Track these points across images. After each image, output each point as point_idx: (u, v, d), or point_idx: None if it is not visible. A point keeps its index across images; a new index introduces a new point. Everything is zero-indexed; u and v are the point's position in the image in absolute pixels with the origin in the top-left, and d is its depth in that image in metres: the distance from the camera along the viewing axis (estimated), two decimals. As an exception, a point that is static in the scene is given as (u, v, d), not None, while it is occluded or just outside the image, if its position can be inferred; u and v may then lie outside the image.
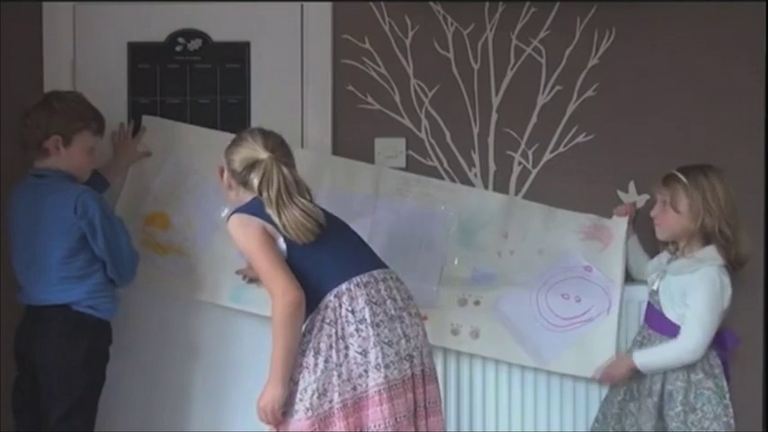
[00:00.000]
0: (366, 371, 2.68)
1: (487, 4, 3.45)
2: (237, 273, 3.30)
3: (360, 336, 2.69)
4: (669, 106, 3.44)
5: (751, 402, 3.33)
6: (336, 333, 2.70)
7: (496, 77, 3.47)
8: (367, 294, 2.72)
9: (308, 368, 2.70)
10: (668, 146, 3.40)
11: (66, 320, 3.04)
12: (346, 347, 2.70)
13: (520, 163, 3.47)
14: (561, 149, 3.46)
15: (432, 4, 3.46)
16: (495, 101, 3.47)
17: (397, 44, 3.47)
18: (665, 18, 3.42)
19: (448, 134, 3.47)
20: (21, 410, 3.12)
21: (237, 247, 2.86)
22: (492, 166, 3.47)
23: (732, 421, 3.01)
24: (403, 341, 2.73)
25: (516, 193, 3.45)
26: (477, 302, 3.33)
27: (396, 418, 2.67)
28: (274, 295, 2.68)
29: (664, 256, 3.22)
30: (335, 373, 2.68)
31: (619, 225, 3.34)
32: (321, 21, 3.46)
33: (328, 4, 3.45)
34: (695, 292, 3.05)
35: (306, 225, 2.73)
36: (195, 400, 3.42)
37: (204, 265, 3.36)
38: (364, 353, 2.69)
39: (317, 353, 2.70)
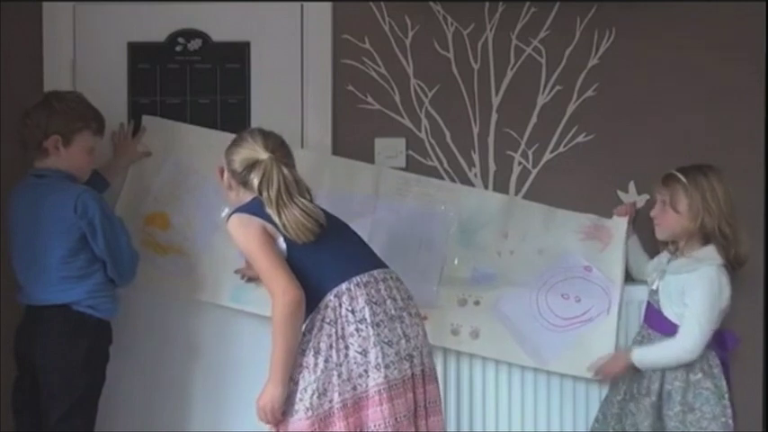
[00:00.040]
0: (366, 371, 2.68)
1: (487, 4, 3.45)
2: (236, 272, 3.30)
3: (360, 335, 2.69)
4: (669, 106, 3.44)
5: (751, 402, 3.33)
6: (336, 333, 2.70)
7: (496, 77, 3.47)
8: (367, 294, 2.73)
9: (307, 368, 2.70)
10: (668, 146, 3.41)
11: (66, 320, 3.04)
12: (346, 347, 2.70)
13: (520, 163, 3.47)
14: (561, 149, 3.46)
15: (432, 4, 3.46)
16: (495, 101, 3.47)
17: (397, 44, 3.47)
18: (665, 18, 3.42)
19: (448, 134, 3.47)
20: (21, 410, 3.12)
21: (237, 247, 2.86)
22: (492, 166, 3.47)
23: (731, 421, 3.01)
24: (403, 341, 2.74)
25: (516, 193, 3.45)
26: (477, 302, 3.33)
27: (396, 418, 2.67)
28: (274, 295, 2.68)
29: (664, 256, 3.22)
30: (335, 372, 2.68)
31: (619, 225, 3.34)
32: (321, 21, 3.46)
33: (328, 4, 3.46)
34: (694, 291, 3.05)
35: (306, 225, 2.73)
36: (195, 400, 3.42)
37: (204, 265, 3.36)
38: (364, 353, 2.69)
39: (317, 352, 2.70)
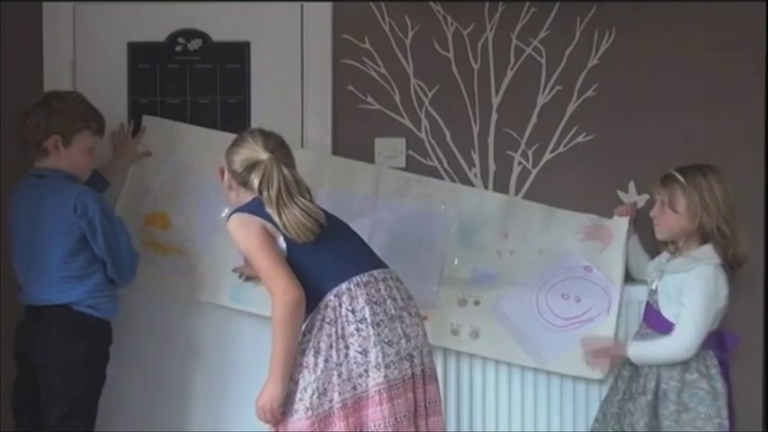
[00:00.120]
0: (366, 370, 2.68)
1: (487, 4, 3.45)
2: (234, 270, 3.30)
3: (360, 335, 2.69)
4: (669, 106, 3.44)
5: (751, 402, 3.33)
6: (336, 332, 2.70)
7: (496, 77, 3.47)
8: (367, 294, 2.73)
9: (307, 367, 2.70)
10: (668, 146, 3.40)
11: (66, 320, 3.04)
12: (346, 347, 2.70)
13: (520, 163, 3.47)
14: (561, 149, 3.46)
15: (432, 4, 3.46)
16: (495, 101, 3.47)
17: (397, 44, 3.47)
18: (665, 18, 3.42)
19: (448, 134, 3.47)
20: (21, 410, 3.12)
21: (238, 247, 2.86)
22: (492, 166, 3.47)
23: (726, 422, 3.01)
24: (403, 341, 2.74)
25: (516, 193, 3.45)
26: (477, 302, 3.33)
27: (396, 418, 2.67)
28: (274, 294, 2.68)
29: (664, 256, 3.22)
30: (335, 372, 2.68)
31: (619, 225, 3.34)
32: (321, 21, 3.46)
33: (328, 4, 3.46)
34: (690, 290, 3.05)
35: (306, 225, 2.73)
36: (195, 400, 3.42)
37: (204, 265, 3.36)
38: (364, 352, 2.69)
39: (317, 352, 2.70)
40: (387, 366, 2.68)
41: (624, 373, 3.17)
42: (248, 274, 3.26)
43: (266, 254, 2.71)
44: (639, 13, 3.43)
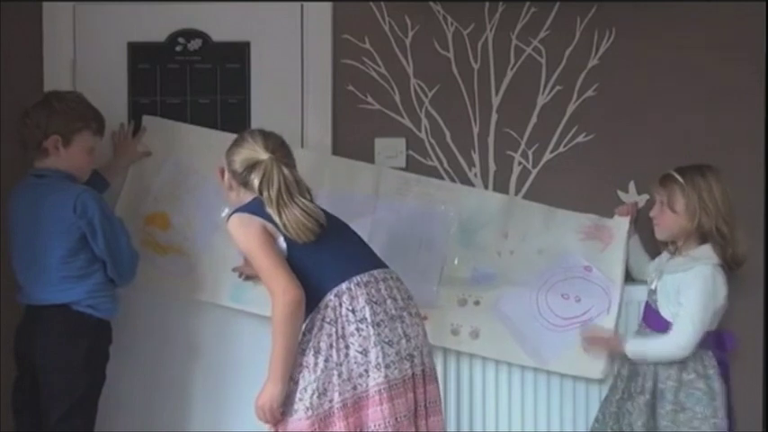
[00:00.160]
0: (366, 370, 2.68)
1: (487, 4, 3.45)
2: (234, 270, 3.30)
3: (360, 335, 2.69)
4: (669, 106, 3.44)
5: (751, 402, 3.33)
6: (337, 332, 2.70)
7: (496, 77, 3.47)
8: (367, 294, 2.73)
9: (307, 367, 2.70)
10: (668, 146, 3.41)
11: (66, 320, 3.04)
12: (347, 347, 2.70)
13: (520, 163, 3.47)
14: (561, 149, 3.46)
15: (432, 4, 3.46)
16: (495, 101, 3.47)
17: (397, 44, 3.47)
18: (665, 18, 3.42)
19: (448, 134, 3.47)
20: (21, 410, 3.12)
21: (238, 247, 2.86)
22: (492, 166, 3.47)
23: (722, 422, 3.01)
24: (403, 341, 2.73)
25: (516, 193, 3.45)
26: (477, 302, 3.33)
27: (396, 418, 2.67)
28: (274, 294, 2.68)
29: (664, 256, 3.23)
30: (336, 372, 2.68)
31: (620, 225, 3.34)
32: (321, 21, 3.46)
33: (328, 4, 3.46)
34: (689, 289, 3.05)
35: (306, 224, 2.73)
36: (195, 400, 3.42)
37: (204, 265, 3.36)
38: (365, 352, 2.69)
39: (317, 352, 2.70)
40: (387, 366, 2.68)
41: (623, 373, 3.18)
42: (248, 274, 3.26)
43: (266, 254, 2.71)
44: (639, 13, 3.43)
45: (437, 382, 2.85)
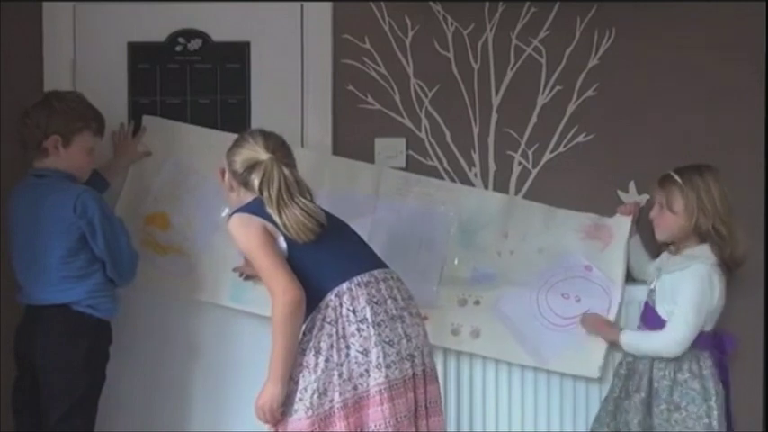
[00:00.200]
0: (367, 370, 2.68)
1: (487, 4, 3.45)
2: (234, 270, 3.30)
3: (361, 335, 2.69)
4: (669, 106, 3.44)
5: (751, 402, 3.33)
6: (337, 332, 2.70)
7: (496, 77, 3.47)
8: (368, 294, 2.72)
9: (308, 367, 2.70)
10: (668, 146, 3.40)
11: (66, 320, 3.04)
12: (347, 347, 2.70)
13: (520, 163, 3.47)
14: (561, 149, 3.46)
15: (432, 4, 3.46)
16: (495, 101, 3.47)
17: (397, 44, 3.47)
18: (665, 18, 3.42)
19: (448, 134, 3.47)
20: (21, 410, 3.12)
21: (238, 247, 2.86)
22: (492, 166, 3.47)
23: (716, 423, 3.01)
24: (404, 341, 2.73)
25: (516, 193, 3.45)
26: (477, 302, 3.33)
27: (396, 418, 2.67)
28: (275, 294, 2.68)
29: (665, 256, 3.23)
30: (336, 372, 2.68)
31: (621, 224, 3.34)
32: (321, 21, 3.46)
33: (328, 4, 3.45)
34: (684, 287, 3.06)
35: (306, 224, 2.73)
36: (195, 400, 3.42)
37: (204, 265, 3.36)
38: (365, 352, 2.69)
39: (317, 352, 2.70)
40: (388, 366, 2.68)
41: (621, 371, 3.18)
42: (248, 273, 3.26)
43: (267, 254, 2.71)
44: (639, 13, 3.43)
45: (438, 382, 2.85)
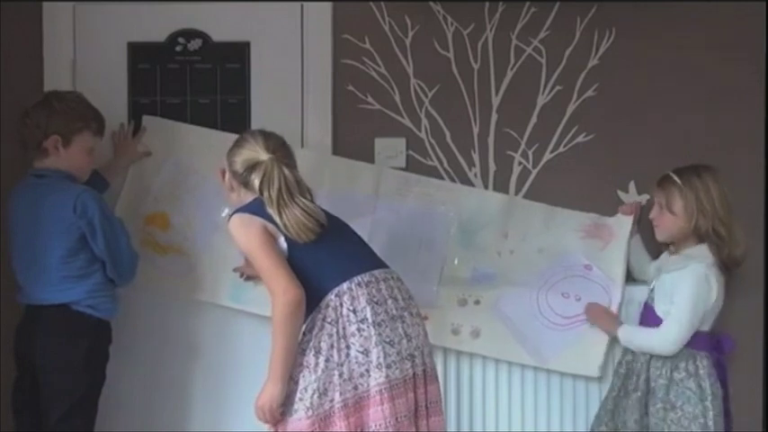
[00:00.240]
0: (368, 370, 2.68)
1: (487, 4, 3.45)
2: (235, 270, 3.30)
3: (361, 335, 2.69)
4: (669, 106, 3.44)
5: (751, 402, 3.33)
6: (338, 332, 2.70)
7: (496, 77, 3.47)
8: (368, 294, 2.73)
9: (308, 367, 2.70)
10: (668, 146, 3.41)
11: (65, 320, 3.04)
12: (347, 347, 2.70)
13: (520, 163, 3.47)
14: (561, 149, 3.46)
15: (432, 4, 3.46)
16: (495, 101, 3.47)
17: (397, 44, 3.47)
18: (665, 18, 3.42)
19: (448, 134, 3.47)
20: (21, 410, 3.12)
21: (238, 247, 2.86)
22: (492, 166, 3.47)
23: (711, 423, 3.01)
24: (404, 341, 2.74)
25: (516, 194, 3.45)
26: (477, 302, 3.33)
27: (397, 418, 2.67)
28: (275, 294, 2.68)
29: (665, 256, 3.23)
30: (336, 372, 2.68)
31: (622, 223, 3.34)
32: (321, 21, 3.46)
33: (328, 4, 3.45)
34: (681, 287, 3.07)
35: (307, 224, 2.73)
36: (195, 400, 3.42)
37: (204, 265, 3.36)
38: (366, 352, 2.69)
39: (317, 352, 2.70)
40: (388, 366, 2.68)
41: (621, 371, 3.18)
42: (249, 274, 3.26)
43: (267, 254, 2.71)
44: (639, 13, 3.43)
45: (438, 382, 2.86)
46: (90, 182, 3.21)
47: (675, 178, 3.12)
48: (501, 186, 3.46)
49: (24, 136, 3.12)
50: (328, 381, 2.68)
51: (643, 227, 3.34)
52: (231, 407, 3.37)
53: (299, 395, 2.69)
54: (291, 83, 3.47)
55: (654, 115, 3.44)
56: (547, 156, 3.46)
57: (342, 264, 2.77)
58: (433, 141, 3.47)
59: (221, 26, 3.48)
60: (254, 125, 3.34)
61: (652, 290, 3.19)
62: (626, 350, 3.19)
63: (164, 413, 3.40)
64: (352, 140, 3.46)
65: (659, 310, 3.12)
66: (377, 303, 2.73)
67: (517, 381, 3.34)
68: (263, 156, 2.79)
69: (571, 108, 3.46)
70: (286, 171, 2.78)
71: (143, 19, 3.48)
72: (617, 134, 3.44)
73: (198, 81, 3.49)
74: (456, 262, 3.37)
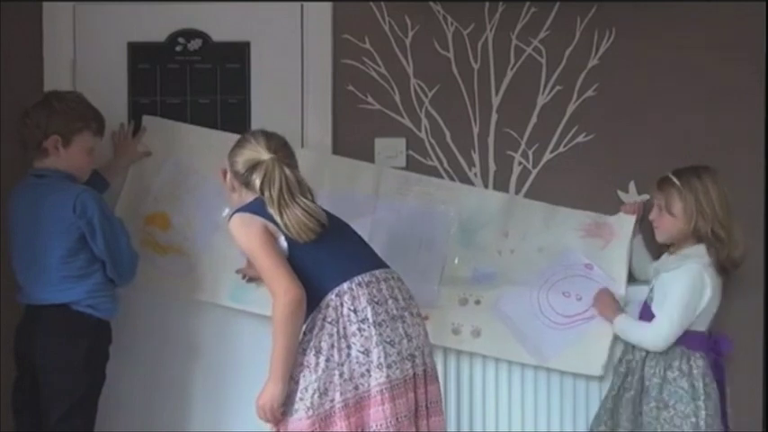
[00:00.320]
0: (368, 370, 2.68)
1: (487, 4, 3.45)
2: (237, 272, 3.30)
3: (362, 335, 2.69)
4: (669, 106, 3.44)
5: (751, 402, 3.34)
6: (338, 332, 2.71)
7: (496, 77, 3.47)
8: (369, 294, 2.73)
9: (308, 367, 2.70)
10: (668, 146, 3.41)
11: (65, 320, 3.04)
12: (348, 347, 2.70)
13: (520, 163, 3.47)
14: (561, 149, 3.46)
15: (432, 4, 3.46)
16: (495, 101, 3.47)
17: (397, 44, 3.47)
18: (665, 18, 3.42)
19: (448, 134, 3.47)
20: (21, 410, 3.12)
21: (239, 247, 2.86)
22: (492, 166, 3.47)
23: (703, 423, 3.01)
24: (405, 341, 2.74)
25: (516, 193, 3.45)
26: (477, 302, 3.33)
27: (397, 418, 2.67)
28: (276, 294, 2.68)
29: (665, 256, 3.23)
30: (337, 372, 2.68)
31: (624, 223, 3.34)
32: (321, 21, 3.46)
33: (328, 4, 3.45)
34: (675, 285, 3.08)
35: (307, 224, 2.73)
36: (195, 400, 3.42)
37: (204, 264, 3.36)
38: (366, 352, 2.69)
39: (318, 352, 2.70)
40: (389, 366, 2.68)
41: (620, 369, 3.19)
42: (251, 276, 3.26)
43: (267, 254, 2.71)
44: (639, 13, 3.43)
45: (438, 382, 2.86)
46: (90, 182, 3.21)
47: (675, 180, 3.13)
48: (501, 186, 3.46)
49: (24, 136, 3.12)
50: (329, 381, 2.68)
51: (644, 227, 3.34)
52: (231, 407, 3.37)
53: (299, 395, 2.69)
54: (291, 83, 3.47)
55: (654, 115, 3.44)
56: (547, 156, 3.46)
57: (342, 264, 2.77)
58: (433, 141, 3.47)
59: (221, 26, 3.48)
60: (254, 125, 3.34)
61: (651, 290, 3.20)
62: (626, 349, 3.20)
63: (164, 413, 3.40)
64: (352, 140, 3.46)
65: (656, 309, 3.13)
66: (377, 303, 2.73)
67: (517, 380, 3.34)
68: (265, 156, 2.79)
69: (571, 108, 3.46)
70: (287, 171, 2.78)
71: (143, 19, 3.48)
72: (617, 134, 3.44)
73: (198, 81, 3.49)
74: (456, 261, 3.37)
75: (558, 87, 3.46)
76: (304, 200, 2.76)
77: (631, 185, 3.42)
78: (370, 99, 3.47)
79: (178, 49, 3.50)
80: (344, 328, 2.70)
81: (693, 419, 3.02)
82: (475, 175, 3.46)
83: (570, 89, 3.45)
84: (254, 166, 2.79)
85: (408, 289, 2.86)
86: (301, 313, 2.70)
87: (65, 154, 3.10)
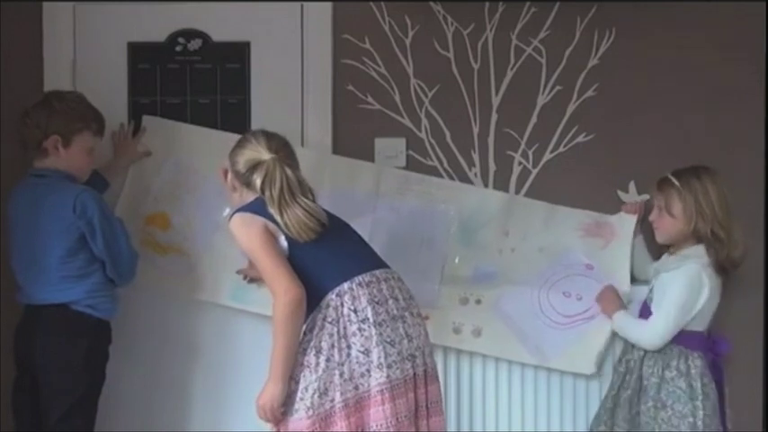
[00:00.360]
0: (368, 370, 2.68)
1: (487, 4, 3.45)
2: (238, 272, 3.30)
3: (362, 335, 2.69)
4: (669, 106, 3.44)
5: (751, 402, 3.34)
6: (338, 332, 2.71)
7: (496, 77, 3.47)
8: (369, 294, 2.73)
9: (308, 367, 2.70)
10: (668, 146, 3.41)
11: (65, 320, 3.04)
12: (348, 347, 2.70)
13: (520, 163, 3.47)
14: (561, 149, 3.46)
15: (432, 4, 3.46)
16: (495, 101, 3.47)
17: (397, 44, 3.47)
18: (665, 18, 3.42)
19: (448, 134, 3.47)
20: (21, 410, 3.12)
21: (239, 247, 2.86)
22: (492, 166, 3.47)
23: (700, 423, 3.01)
24: (405, 341, 2.74)
25: (516, 193, 3.45)
26: (478, 301, 3.33)
27: (397, 418, 2.67)
28: (276, 293, 2.68)
29: (664, 257, 3.23)
30: (337, 372, 2.68)
31: (624, 222, 3.34)
32: (321, 21, 3.46)
33: (328, 4, 3.45)
34: (673, 284, 3.08)
35: (308, 224, 2.73)
36: (195, 400, 3.42)
37: (204, 264, 3.36)
38: (367, 352, 2.69)
39: (318, 352, 2.70)
40: (389, 366, 2.68)
41: (620, 369, 3.19)
42: (252, 276, 3.26)
43: (268, 253, 2.71)
44: (639, 13, 3.43)
45: (438, 382, 2.86)
46: (90, 182, 3.21)
47: (674, 181, 3.13)
48: (501, 186, 3.46)
49: (24, 136, 3.12)
50: (329, 380, 2.68)
51: (644, 228, 3.34)
52: (231, 407, 3.37)
53: (299, 395, 2.69)
54: (291, 83, 3.47)
55: (654, 115, 3.44)
56: (547, 156, 3.46)
57: (342, 263, 2.77)
58: (432, 141, 3.47)
59: (221, 26, 3.48)
60: (255, 125, 3.34)
61: (651, 290, 3.20)
62: (626, 348, 3.20)
63: (164, 413, 3.40)
64: (352, 140, 3.46)
65: (654, 309, 3.13)
66: (378, 303, 2.73)
67: (517, 380, 3.34)
68: (266, 156, 2.79)
69: (571, 108, 3.46)
70: (288, 171, 2.78)
71: (143, 19, 3.48)
72: (617, 134, 3.44)
73: (198, 81, 3.49)
74: (457, 261, 3.37)
75: (558, 87, 3.46)
76: (305, 200, 2.76)
77: (631, 185, 3.42)
78: (370, 99, 3.47)
79: (178, 49, 3.50)
80: (345, 327, 2.71)
81: (691, 419, 3.02)
82: (475, 175, 3.47)
83: (570, 89, 3.45)
84: (254, 166, 2.80)
85: (409, 289, 2.86)
86: (301, 313, 2.70)
87: (65, 154, 3.10)
